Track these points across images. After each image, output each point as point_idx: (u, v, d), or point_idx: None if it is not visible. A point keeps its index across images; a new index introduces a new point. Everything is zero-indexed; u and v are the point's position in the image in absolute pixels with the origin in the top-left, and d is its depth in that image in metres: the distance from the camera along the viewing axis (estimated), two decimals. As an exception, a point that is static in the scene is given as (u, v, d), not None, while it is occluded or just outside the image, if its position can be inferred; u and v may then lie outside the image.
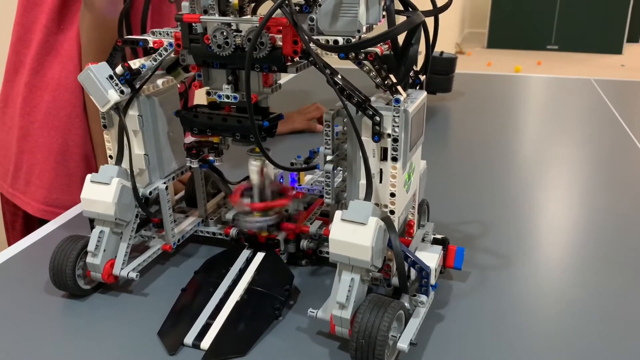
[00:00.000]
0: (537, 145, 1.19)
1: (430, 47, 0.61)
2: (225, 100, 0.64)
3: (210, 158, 0.74)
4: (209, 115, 0.66)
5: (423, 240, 0.69)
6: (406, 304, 0.58)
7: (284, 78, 1.73)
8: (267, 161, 0.70)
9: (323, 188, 0.66)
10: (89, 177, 0.65)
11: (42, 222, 0.94)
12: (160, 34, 0.64)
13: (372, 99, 0.58)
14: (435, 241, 0.68)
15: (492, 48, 6.69)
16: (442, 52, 1.44)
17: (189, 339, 0.59)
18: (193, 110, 0.67)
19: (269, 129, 0.64)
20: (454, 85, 1.48)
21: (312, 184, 0.83)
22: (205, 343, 0.58)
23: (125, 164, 0.67)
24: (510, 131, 1.27)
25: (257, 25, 0.57)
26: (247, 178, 0.75)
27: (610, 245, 0.78)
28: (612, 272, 0.72)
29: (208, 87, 0.66)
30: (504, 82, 1.72)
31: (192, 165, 0.71)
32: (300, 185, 0.84)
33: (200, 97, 0.76)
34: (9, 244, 1.06)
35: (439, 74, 1.43)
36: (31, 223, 0.98)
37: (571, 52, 6.45)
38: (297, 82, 1.73)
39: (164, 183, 0.70)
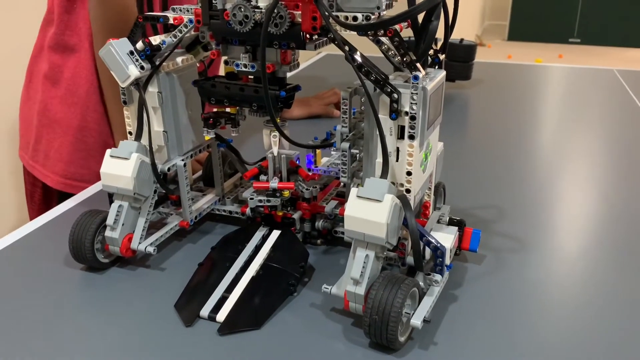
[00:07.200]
0: (556, 135, 1.17)
1: (449, 26, 0.61)
2: (243, 69, 0.64)
3: (229, 138, 0.75)
4: (227, 84, 0.66)
5: (438, 221, 0.69)
6: (420, 282, 0.58)
7: (303, 64, 1.73)
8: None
9: (340, 169, 0.66)
10: (108, 151, 0.66)
11: (61, 194, 0.96)
12: (180, 10, 0.64)
13: (391, 76, 0.58)
14: (452, 223, 0.68)
15: (512, 40, 6.60)
16: (461, 40, 1.43)
17: (204, 311, 0.60)
18: (211, 80, 0.67)
19: (286, 99, 0.64)
20: (473, 74, 1.46)
21: (328, 166, 0.84)
22: (221, 316, 0.59)
23: (144, 140, 0.68)
24: (530, 120, 1.26)
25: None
26: (264, 159, 0.75)
27: (628, 236, 0.77)
28: (628, 261, 0.71)
29: (226, 57, 0.66)
30: (524, 72, 1.69)
31: (209, 135, 0.72)
32: (316, 167, 0.84)
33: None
34: (29, 214, 1.08)
35: (459, 61, 1.42)
36: (50, 195, 1.01)
37: (594, 45, 6.34)
38: (314, 67, 1.73)
39: (182, 160, 0.71)
